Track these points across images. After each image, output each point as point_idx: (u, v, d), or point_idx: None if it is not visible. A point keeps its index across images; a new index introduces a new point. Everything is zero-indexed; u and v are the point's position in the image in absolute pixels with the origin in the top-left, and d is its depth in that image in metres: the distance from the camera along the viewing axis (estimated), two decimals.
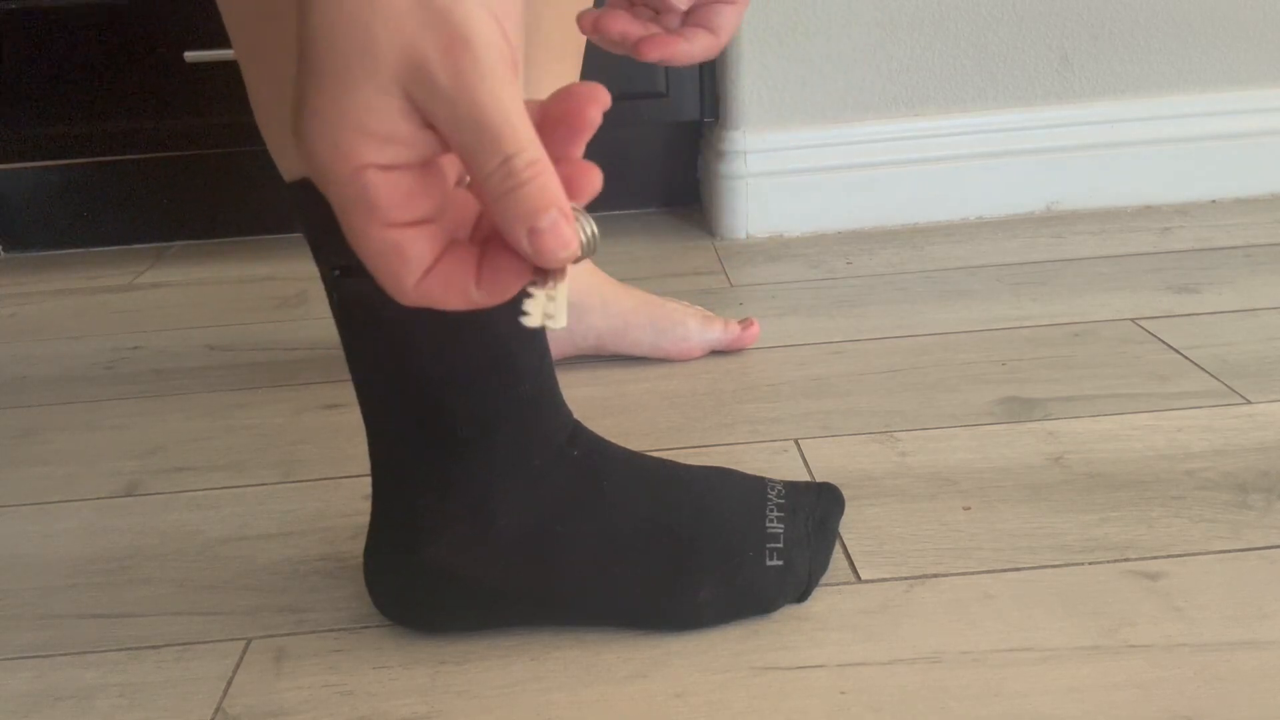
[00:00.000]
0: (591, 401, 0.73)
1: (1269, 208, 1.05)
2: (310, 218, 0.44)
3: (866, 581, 0.51)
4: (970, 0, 1.02)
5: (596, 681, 0.46)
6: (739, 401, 0.72)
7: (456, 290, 0.29)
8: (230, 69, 0.97)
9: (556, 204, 0.28)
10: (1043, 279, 0.90)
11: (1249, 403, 0.66)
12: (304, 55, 0.28)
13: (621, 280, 0.80)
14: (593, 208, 1.19)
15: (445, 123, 0.27)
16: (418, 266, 0.28)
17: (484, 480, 0.47)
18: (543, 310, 0.29)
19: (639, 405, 0.72)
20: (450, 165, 0.30)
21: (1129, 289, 0.87)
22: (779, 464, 0.63)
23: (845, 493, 0.56)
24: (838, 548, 0.54)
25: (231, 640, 0.50)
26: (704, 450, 0.65)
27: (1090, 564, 0.51)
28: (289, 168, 0.45)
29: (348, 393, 0.75)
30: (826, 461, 0.63)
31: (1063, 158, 1.07)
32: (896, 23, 1.03)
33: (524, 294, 0.30)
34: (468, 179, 0.31)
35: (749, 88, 1.04)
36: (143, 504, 0.64)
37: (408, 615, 0.49)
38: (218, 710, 0.46)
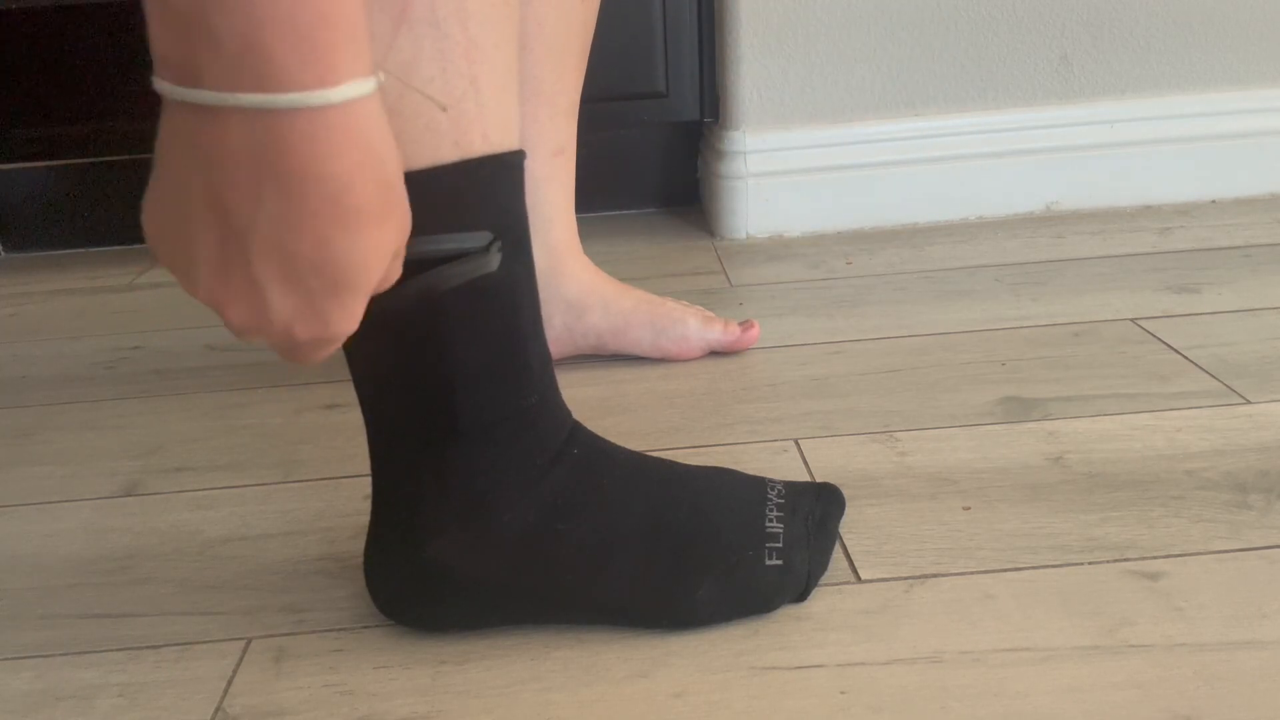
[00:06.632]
0: (591, 401, 0.73)
1: (1269, 208, 1.05)
2: None
3: (866, 581, 0.51)
4: (970, 0, 1.02)
5: (596, 681, 0.46)
6: (738, 401, 0.72)
7: None
8: None
9: None
10: (1043, 279, 0.90)
11: (1249, 403, 0.66)
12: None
13: (621, 280, 0.80)
14: (594, 207, 1.19)
15: None
16: None
17: (484, 479, 0.47)
18: None
19: (639, 405, 0.72)
20: None
21: (1129, 289, 0.87)
22: (779, 464, 0.63)
23: (845, 493, 0.56)
24: (838, 548, 0.54)
25: (231, 640, 0.50)
26: (704, 450, 0.65)
27: (1090, 564, 0.51)
28: None
29: (348, 393, 0.75)
30: (826, 461, 0.63)
31: (1063, 158, 1.07)
32: (896, 23, 1.03)
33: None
34: None
35: (749, 88, 1.04)
36: (143, 504, 0.64)
37: (408, 614, 0.49)
38: (218, 710, 0.46)
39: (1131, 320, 0.80)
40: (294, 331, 0.34)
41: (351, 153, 0.31)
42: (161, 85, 0.31)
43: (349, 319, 0.35)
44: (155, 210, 0.33)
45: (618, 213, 1.20)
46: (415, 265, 0.42)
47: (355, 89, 0.31)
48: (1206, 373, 0.71)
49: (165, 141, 0.32)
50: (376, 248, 0.33)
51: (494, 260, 0.43)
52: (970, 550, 0.53)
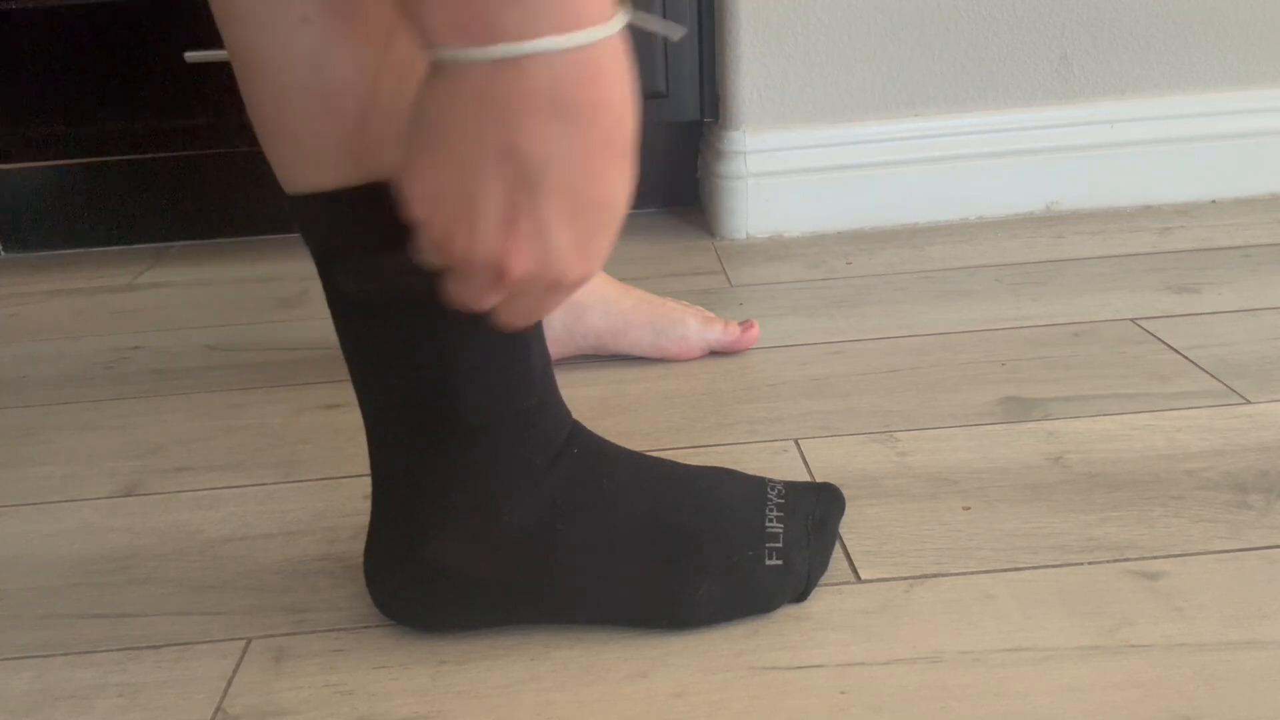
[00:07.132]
0: (591, 401, 0.73)
1: (1269, 208, 1.05)
2: (318, 231, 0.44)
3: (866, 581, 0.51)
4: (970, 0, 1.02)
5: (596, 681, 0.46)
6: (739, 401, 0.72)
7: None
8: (230, 69, 0.97)
9: None
10: (1043, 279, 0.90)
11: (1249, 403, 0.66)
12: None
13: (621, 280, 0.80)
14: None
15: None
16: None
17: (485, 479, 0.47)
18: None
19: (639, 405, 0.72)
20: None
21: (1129, 289, 0.87)
22: (779, 464, 0.63)
23: (845, 493, 0.56)
24: (838, 548, 0.54)
25: (231, 640, 0.50)
26: (704, 450, 0.65)
27: (1090, 564, 0.51)
28: (291, 179, 0.44)
29: (348, 393, 0.75)
30: (826, 461, 0.63)
31: (1063, 158, 1.07)
32: (896, 23, 1.03)
33: None
34: None
35: (749, 88, 1.04)
36: (143, 504, 0.64)
37: (408, 614, 0.49)
38: (218, 710, 0.46)
39: (1131, 320, 0.80)
40: (569, 271, 0.36)
41: (622, 83, 0.33)
42: (451, 53, 0.32)
43: (603, 257, 0.37)
44: (429, 181, 0.35)
45: None
46: (393, 269, 0.42)
47: (620, 20, 0.33)
48: (1206, 373, 0.71)
49: (445, 109, 0.33)
50: (630, 183, 0.36)
51: None
52: (970, 550, 0.53)
